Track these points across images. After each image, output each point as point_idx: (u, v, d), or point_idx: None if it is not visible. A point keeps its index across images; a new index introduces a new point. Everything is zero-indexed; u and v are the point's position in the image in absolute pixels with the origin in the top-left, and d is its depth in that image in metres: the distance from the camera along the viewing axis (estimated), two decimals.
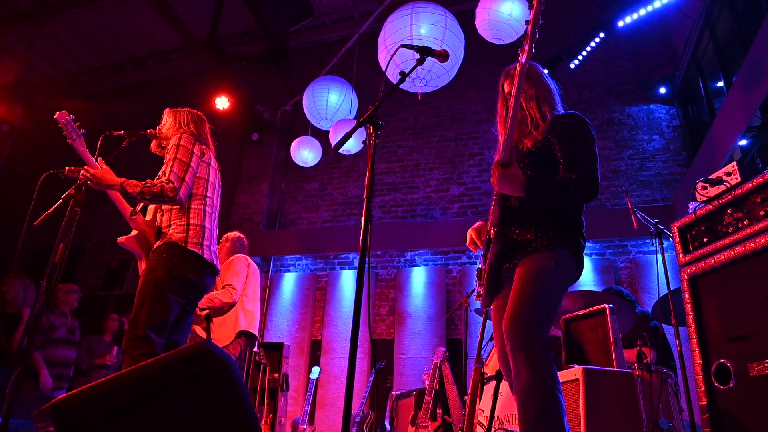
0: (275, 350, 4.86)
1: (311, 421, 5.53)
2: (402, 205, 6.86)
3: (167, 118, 2.75)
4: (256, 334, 3.82)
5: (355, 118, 5.42)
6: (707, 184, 2.23)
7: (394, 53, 2.37)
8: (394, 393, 5.15)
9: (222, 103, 7.06)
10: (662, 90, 6.23)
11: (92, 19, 8.13)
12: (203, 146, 2.62)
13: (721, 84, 5.18)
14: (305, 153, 5.94)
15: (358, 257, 1.57)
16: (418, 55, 2.00)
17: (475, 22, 3.91)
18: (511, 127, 1.76)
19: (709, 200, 2.21)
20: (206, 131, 2.77)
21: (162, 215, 2.53)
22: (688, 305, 2.21)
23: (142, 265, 2.56)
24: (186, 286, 2.41)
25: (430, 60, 1.99)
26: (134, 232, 2.60)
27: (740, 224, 2.03)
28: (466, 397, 2.99)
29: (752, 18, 4.43)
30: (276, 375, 4.68)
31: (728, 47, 5.05)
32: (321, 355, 6.13)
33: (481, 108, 7.04)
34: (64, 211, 2.39)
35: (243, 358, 3.79)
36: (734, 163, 2.14)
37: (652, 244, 3.34)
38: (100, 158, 2.47)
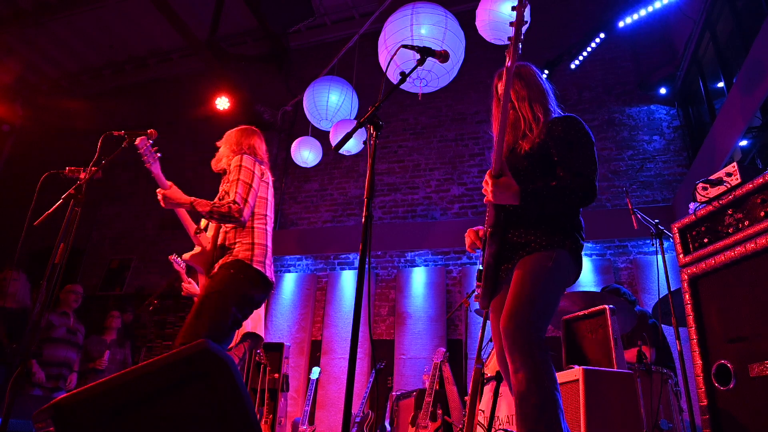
0: (275, 350, 4.86)
1: (311, 422, 5.53)
2: (402, 206, 6.86)
3: (224, 139, 2.87)
4: (262, 335, 3.82)
5: (355, 119, 5.42)
6: (708, 185, 2.23)
7: (395, 53, 2.37)
8: (394, 393, 5.15)
9: (222, 103, 7.06)
10: (663, 90, 6.22)
11: (93, 19, 8.13)
12: (262, 166, 2.74)
13: (721, 84, 5.18)
14: (305, 153, 5.94)
15: (358, 257, 1.57)
16: (418, 56, 2.00)
17: (476, 23, 3.91)
18: (500, 138, 1.76)
19: (710, 201, 2.21)
20: (259, 144, 2.87)
21: (226, 233, 2.62)
22: (689, 306, 2.22)
23: (203, 280, 2.65)
24: (248, 302, 2.48)
25: (430, 60, 1.99)
26: (197, 249, 2.67)
27: (740, 225, 2.03)
28: (466, 398, 2.99)
29: (752, 18, 4.43)
30: (276, 375, 4.69)
31: (729, 47, 5.05)
32: (321, 356, 6.13)
33: (482, 108, 7.04)
34: (64, 211, 2.39)
35: (245, 359, 3.79)
36: (734, 163, 2.14)
37: (653, 244, 3.35)
38: (171, 183, 2.58)
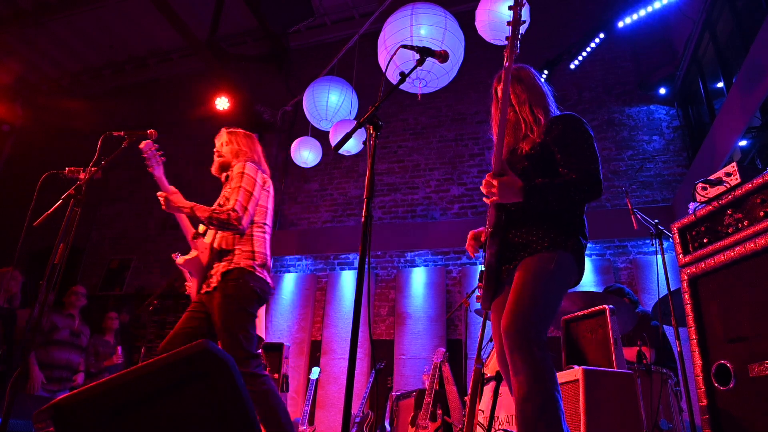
0: (275, 351, 4.86)
1: (311, 422, 5.53)
2: (402, 206, 6.85)
3: (228, 139, 2.85)
4: (263, 336, 3.81)
5: (355, 119, 5.42)
6: (707, 185, 2.23)
7: (394, 54, 2.37)
8: (394, 393, 5.15)
9: (222, 103, 7.06)
10: (662, 90, 6.22)
11: (93, 19, 8.13)
12: (264, 175, 2.76)
13: (721, 84, 5.18)
14: (305, 153, 5.94)
15: (358, 258, 1.57)
16: (418, 56, 2.00)
17: (476, 23, 3.91)
18: (500, 137, 1.77)
19: (709, 201, 2.21)
20: (261, 151, 2.90)
21: (224, 238, 2.65)
22: (688, 306, 2.21)
23: (195, 283, 2.69)
24: (260, 304, 2.60)
25: (430, 61, 1.99)
26: (193, 254, 2.70)
27: (740, 225, 2.03)
28: (466, 398, 2.99)
29: (752, 18, 4.43)
30: (276, 375, 4.68)
31: (728, 48, 5.05)
32: (321, 356, 6.13)
33: (482, 108, 7.04)
34: (64, 211, 2.39)
35: None
36: (734, 163, 2.14)
37: (652, 244, 3.34)
38: (173, 188, 2.66)
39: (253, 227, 2.64)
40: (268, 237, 2.72)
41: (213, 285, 2.54)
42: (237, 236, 2.61)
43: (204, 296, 2.57)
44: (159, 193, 2.58)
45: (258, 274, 2.55)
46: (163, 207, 2.58)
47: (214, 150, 2.87)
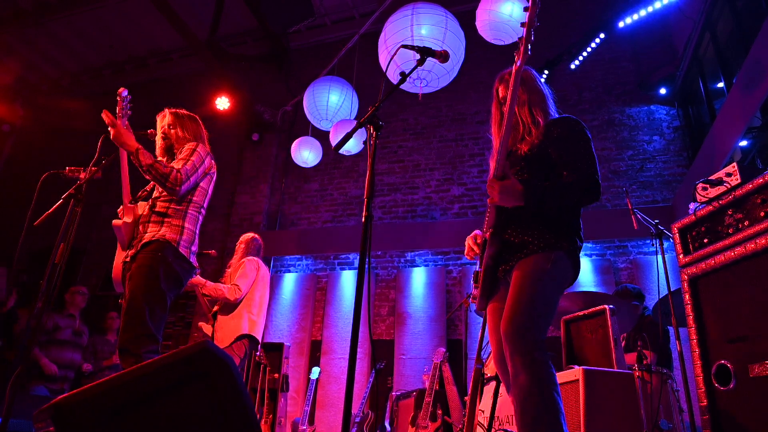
0: (275, 350, 4.86)
1: (311, 422, 5.53)
2: (402, 206, 6.85)
3: (173, 121, 2.81)
4: (259, 338, 3.80)
5: (355, 119, 5.42)
6: (707, 185, 2.23)
7: (395, 54, 2.37)
8: (394, 393, 5.15)
9: (222, 103, 7.06)
10: (663, 90, 6.22)
11: (93, 19, 8.13)
12: (213, 161, 2.75)
13: (721, 85, 5.18)
14: (305, 153, 5.94)
15: (358, 257, 1.57)
16: (418, 56, 2.00)
17: (476, 23, 3.91)
18: (505, 136, 1.77)
19: (710, 201, 2.21)
20: (205, 134, 2.87)
21: (156, 211, 2.58)
22: (689, 306, 2.22)
23: (121, 253, 2.62)
24: (177, 285, 2.51)
25: (430, 60, 1.99)
26: (127, 219, 2.64)
27: (740, 225, 2.03)
28: (466, 398, 2.99)
29: (752, 18, 4.43)
30: (276, 375, 4.69)
31: (729, 48, 5.05)
32: (321, 356, 6.13)
33: (482, 108, 7.04)
34: (64, 211, 2.39)
35: (245, 359, 3.78)
36: (734, 164, 2.14)
37: (653, 244, 3.35)
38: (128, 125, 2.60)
39: (189, 205, 2.61)
40: (201, 218, 2.69)
41: (131, 254, 2.46)
42: (170, 209, 2.55)
43: (126, 268, 2.48)
44: (106, 115, 2.50)
45: (180, 250, 2.48)
46: (111, 137, 2.51)
47: (159, 131, 2.82)
